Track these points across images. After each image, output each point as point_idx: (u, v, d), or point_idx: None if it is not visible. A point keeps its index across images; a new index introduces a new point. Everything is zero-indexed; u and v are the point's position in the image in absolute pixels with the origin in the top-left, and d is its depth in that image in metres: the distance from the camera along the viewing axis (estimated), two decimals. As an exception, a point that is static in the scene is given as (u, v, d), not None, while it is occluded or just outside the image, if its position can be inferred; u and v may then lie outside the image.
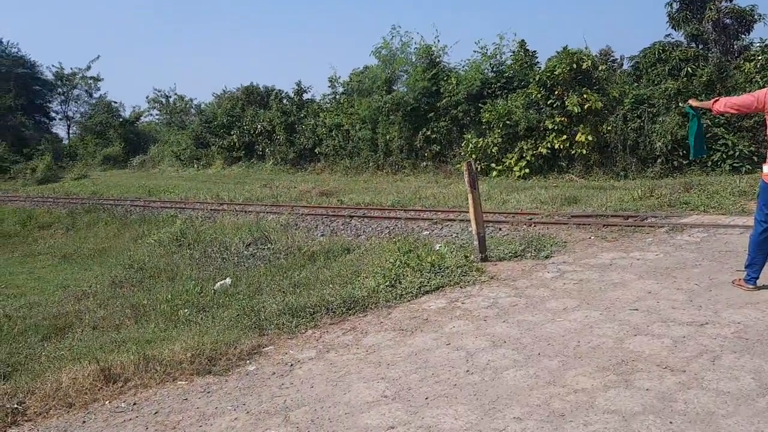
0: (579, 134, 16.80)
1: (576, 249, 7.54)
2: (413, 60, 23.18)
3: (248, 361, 4.56)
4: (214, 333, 5.16)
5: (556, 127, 17.29)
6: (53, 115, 54.41)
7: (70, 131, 53.91)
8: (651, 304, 5.11)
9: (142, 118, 46.83)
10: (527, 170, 17.70)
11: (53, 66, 52.27)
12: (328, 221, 12.12)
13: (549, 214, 10.38)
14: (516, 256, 7.31)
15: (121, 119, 44.96)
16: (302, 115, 27.44)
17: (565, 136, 17.20)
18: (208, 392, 4.03)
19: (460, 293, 5.94)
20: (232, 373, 4.36)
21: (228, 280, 7.94)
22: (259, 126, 28.99)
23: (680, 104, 16.12)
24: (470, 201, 7.07)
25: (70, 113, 53.88)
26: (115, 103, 48.07)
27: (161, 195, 20.65)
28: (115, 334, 5.78)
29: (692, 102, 5.73)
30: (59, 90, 53.68)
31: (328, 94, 27.89)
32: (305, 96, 29.28)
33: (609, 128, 16.73)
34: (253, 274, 8.14)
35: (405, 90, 22.68)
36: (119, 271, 9.25)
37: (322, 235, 10.61)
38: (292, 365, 4.43)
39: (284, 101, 29.29)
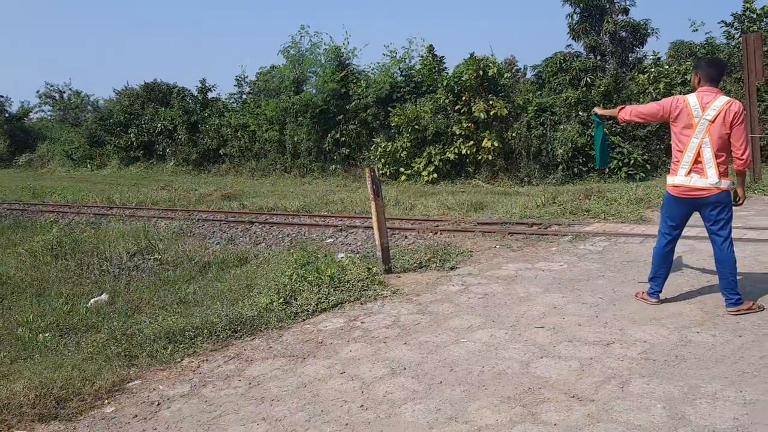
0: (485, 140, 16.91)
1: (481, 259, 7.29)
2: (322, 61, 22.62)
3: (107, 401, 3.87)
4: (71, 365, 4.41)
5: (463, 133, 17.33)
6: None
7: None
8: (557, 320, 4.87)
9: (32, 114, 43.35)
10: (435, 175, 17.64)
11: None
12: (227, 227, 11.34)
13: (455, 221, 10.17)
14: (421, 267, 6.95)
15: (6, 115, 41.37)
16: (206, 114, 26.16)
17: (471, 142, 17.28)
18: (48, 446, 3.33)
19: (360, 310, 5.49)
20: (84, 417, 3.67)
21: (104, 296, 7.07)
22: (159, 125, 27.38)
23: (580, 113, 16.59)
24: (373, 210, 6.64)
25: (-53, 107, 49.03)
26: (1, 97, 44.15)
27: (46, 197, 18.88)
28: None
29: (598, 110, 5.58)
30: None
31: (235, 94, 26.85)
32: (210, 95, 28.02)
33: (513, 135, 16.95)
34: (135, 288, 7.30)
35: (314, 91, 22.11)
36: (-21, 286, 8.10)
37: (218, 243, 9.85)
38: (159, 404, 3.79)
39: (187, 99, 27.85)
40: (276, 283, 6.13)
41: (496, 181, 17.03)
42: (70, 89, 42.98)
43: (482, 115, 16.80)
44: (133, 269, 8.32)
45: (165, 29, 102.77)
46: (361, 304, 5.65)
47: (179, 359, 4.55)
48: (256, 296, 5.97)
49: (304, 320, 5.30)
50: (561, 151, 16.24)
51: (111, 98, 34.77)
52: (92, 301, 6.98)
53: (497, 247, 7.97)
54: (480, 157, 17.25)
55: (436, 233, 9.27)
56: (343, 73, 21.25)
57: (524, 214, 10.42)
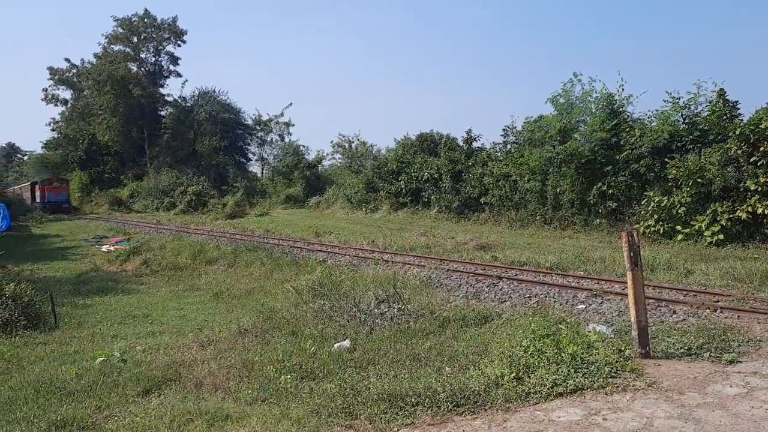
0: (790, 198, 14.01)
1: (776, 354, 5.75)
2: (593, 109, 21.51)
3: (314, 466, 3.78)
4: (296, 416, 4.46)
5: (760, 189, 14.63)
6: (250, 156, 60.28)
7: (264, 171, 59.18)
8: None
9: (325, 161, 49.72)
10: (721, 236, 15.15)
11: (254, 114, 58.33)
12: (474, 280, 11.08)
13: (743, 297, 8.39)
14: (689, 355, 5.75)
15: (305, 162, 48.09)
16: (470, 163, 26.82)
17: (771, 200, 14.48)
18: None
19: (604, 402, 4.64)
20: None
21: (347, 343, 7.29)
22: (426, 173, 28.91)
23: None
24: (630, 282, 5.71)
25: (264, 155, 59.32)
26: (304, 146, 51.76)
27: (324, 236, 21.06)
28: (203, 400, 5.37)
29: None
30: (257, 134, 59.51)
31: (499, 143, 27.11)
32: (475, 144, 28.79)
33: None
34: (376, 337, 7.42)
35: (581, 140, 21.04)
36: (251, 317, 9.10)
37: (462, 297, 9.63)
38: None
39: (454, 149, 28.96)
40: (510, 354, 5.59)
41: (804, 248, 13.93)
42: (358, 139, 48.51)
43: (787, 169, 14.02)
44: (378, 316, 8.50)
45: (445, 83, 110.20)
46: (606, 394, 4.79)
47: (396, 429, 4.31)
48: (487, 365, 5.51)
49: (534, 404, 4.67)
50: None
51: (392, 148, 38.30)
52: (336, 345, 7.26)
53: (801, 339, 6.26)
54: (782, 219, 14.34)
55: (715, 311, 7.73)
56: (614, 122, 19.90)
57: None
